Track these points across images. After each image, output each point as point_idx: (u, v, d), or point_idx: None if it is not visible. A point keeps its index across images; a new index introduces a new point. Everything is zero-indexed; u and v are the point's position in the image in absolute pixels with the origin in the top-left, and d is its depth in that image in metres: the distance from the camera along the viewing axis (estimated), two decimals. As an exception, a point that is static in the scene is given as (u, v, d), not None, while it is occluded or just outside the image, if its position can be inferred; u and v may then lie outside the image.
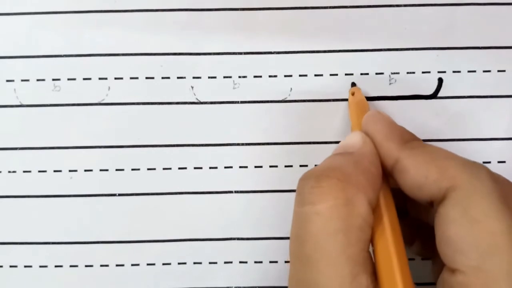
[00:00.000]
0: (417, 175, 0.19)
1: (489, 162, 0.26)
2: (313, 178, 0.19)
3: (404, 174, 0.19)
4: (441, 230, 0.18)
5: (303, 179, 0.19)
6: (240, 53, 0.27)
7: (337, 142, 0.26)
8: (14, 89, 0.27)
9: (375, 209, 0.19)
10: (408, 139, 0.21)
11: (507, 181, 0.20)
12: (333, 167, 0.19)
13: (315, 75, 0.27)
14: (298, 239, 0.18)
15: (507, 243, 0.16)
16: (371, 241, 0.19)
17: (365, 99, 0.25)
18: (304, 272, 0.18)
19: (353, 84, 0.26)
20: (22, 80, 0.27)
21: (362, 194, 0.18)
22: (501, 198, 0.17)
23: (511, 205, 0.18)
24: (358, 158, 0.20)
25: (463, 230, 0.17)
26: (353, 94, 0.26)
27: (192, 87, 0.27)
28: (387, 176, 0.21)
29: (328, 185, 0.18)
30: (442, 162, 0.19)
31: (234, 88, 0.27)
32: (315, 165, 0.25)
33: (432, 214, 0.19)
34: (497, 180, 0.18)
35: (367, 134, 0.21)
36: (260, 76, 0.27)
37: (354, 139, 0.21)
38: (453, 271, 0.17)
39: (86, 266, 0.27)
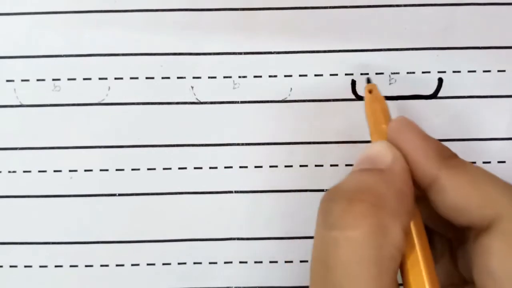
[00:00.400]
0: (458, 198, 0.18)
1: (489, 162, 0.26)
2: (345, 200, 0.17)
3: (443, 195, 0.18)
4: (483, 261, 0.17)
5: (332, 201, 0.18)
6: (240, 53, 0.27)
7: (337, 142, 0.26)
8: (14, 89, 0.27)
9: (407, 233, 0.18)
10: (446, 155, 0.19)
11: None
12: (365, 189, 0.17)
13: (315, 75, 0.26)
14: (324, 265, 0.17)
15: None
16: (402, 267, 0.18)
17: (383, 98, 0.23)
18: None
19: (369, 80, 0.24)
20: (22, 80, 0.27)
21: (397, 220, 0.17)
22: None
23: None
24: (390, 177, 0.18)
25: (509, 264, 0.16)
26: (370, 91, 0.23)
27: (192, 87, 0.27)
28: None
29: (361, 210, 0.17)
30: (486, 187, 0.17)
31: (234, 88, 0.27)
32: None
33: (466, 234, 0.18)
34: None
35: (395, 145, 0.19)
36: (260, 76, 0.27)
37: (383, 153, 0.19)
38: None
39: (86, 266, 0.27)
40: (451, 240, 0.22)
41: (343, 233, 0.17)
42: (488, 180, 0.18)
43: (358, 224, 0.17)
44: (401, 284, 0.19)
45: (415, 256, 0.18)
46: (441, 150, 0.19)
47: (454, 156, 0.19)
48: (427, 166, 0.18)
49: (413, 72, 0.26)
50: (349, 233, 0.16)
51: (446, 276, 0.21)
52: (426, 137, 0.20)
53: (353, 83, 0.26)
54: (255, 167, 0.26)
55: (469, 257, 0.18)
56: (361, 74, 0.26)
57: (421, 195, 0.19)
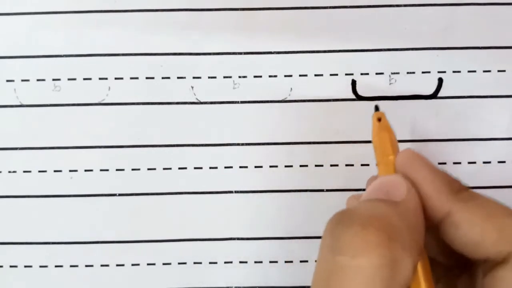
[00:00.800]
0: (473, 233, 0.17)
1: (489, 162, 0.26)
2: (358, 225, 0.16)
3: (456, 230, 0.18)
4: None
5: (342, 224, 0.17)
6: (240, 53, 0.27)
7: (337, 142, 0.26)
8: (14, 89, 0.27)
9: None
10: (457, 188, 0.19)
11: None
12: (380, 217, 0.17)
13: (315, 75, 0.27)
14: None
15: None
16: None
17: (391, 128, 0.22)
18: None
19: (377, 108, 0.23)
20: (22, 80, 0.27)
21: (408, 255, 0.16)
22: None
23: None
24: (404, 210, 0.17)
25: None
26: (379, 119, 0.22)
27: (192, 87, 0.27)
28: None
29: (374, 238, 0.16)
30: (501, 220, 0.17)
31: (234, 88, 0.27)
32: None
33: (474, 266, 0.18)
34: None
35: (405, 178, 0.19)
36: (260, 76, 0.27)
37: (398, 186, 0.18)
38: None
39: (86, 266, 0.27)
40: (450, 267, 0.21)
41: (352, 261, 0.16)
42: (502, 213, 0.17)
43: (369, 253, 0.16)
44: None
45: None
46: (452, 183, 0.19)
47: (465, 189, 0.19)
48: (439, 200, 0.18)
49: (413, 72, 0.26)
50: (358, 261, 0.15)
51: None
52: (435, 170, 0.19)
53: (353, 83, 0.26)
54: (255, 167, 0.26)
55: (474, 283, 0.18)
56: (361, 74, 0.26)
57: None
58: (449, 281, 0.21)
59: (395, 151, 0.21)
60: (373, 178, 0.21)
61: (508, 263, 0.17)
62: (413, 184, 0.19)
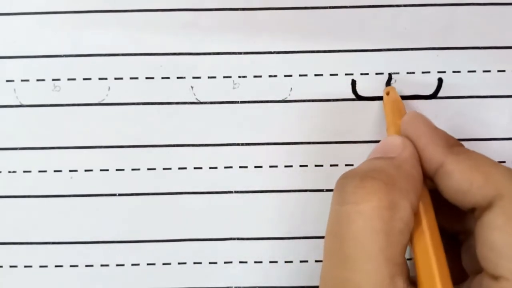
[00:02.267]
0: (462, 181, 0.19)
1: (489, 162, 0.26)
2: (358, 177, 0.19)
3: (448, 179, 0.19)
4: (485, 237, 0.18)
5: (346, 178, 0.19)
6: (240, 53, 0.27)
7: (337, 142, 0.26)
8: (14, 89, 0.27)
9: (415, 213, 0.19)
10: (452, 143, 0.21)
11: None
12: (377, 170, 0.19)
13: (315, 75, 0.27)
14: (336, 236, 0.18)
15: None
16: (411, 244, 0.19)
17: (400, 98, 0.25)
18: (342, 269, 0.18)
19: (388, 83, 0.26)
20: (22, 80, 0.27)
21: (405, 198, 0.18)
22: None
23: None
24: (400, 162, 0.20)
25: (509, 237, 0.17)
26: (387, 93, 0.25)
27: (192, 87, 0.27)
28: (427, 179, 0.21)
29: (372, 186, 0.18)
30: (488, 169, 0.19)
31: (234, 88, 0.27)
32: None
33: (471, 221, 0.19)
34: None
35: (407, 136, 0.21)
36: (260, 76, 0.27)
37: (394, 143, 0.21)
38: (496, 278, 0.17)
39: (86, 266, 0.27)
40: (457, 236, 0.23)
41: (355, 207, 0.18)
42: (489, 164, 0.19)
43: (369, 198, 0.18)
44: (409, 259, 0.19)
45: (422, 233, 0.19)
46: (448, 138, 0.21)
47: (459, 144, 0.21)
48: (434, 152, 0.20)
49: (413, 72, 0.26)
50: (361, 207, 0.18)
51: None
52: (434, 128, 0.21)
53: (353, 83, 0.26)
54: (255, 167, 0.26)
55: (473, 244, 0.19)
56: (361, 74, 0.26)
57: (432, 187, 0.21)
58: (455, 252, 0.22)
59: (402, 116, 0.23)
60: None
61: (493, 206, 0.18)
62: (412, 139, 0.21)
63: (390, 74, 0.26)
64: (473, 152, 0.20)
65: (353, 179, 0.19)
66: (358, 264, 0.17)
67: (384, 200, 0.18)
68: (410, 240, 0.19)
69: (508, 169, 0.19)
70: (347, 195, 0.18)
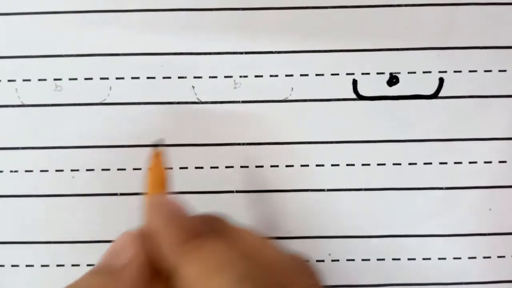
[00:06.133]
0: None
1: (490, 162, 0.26)
2: None
3: (181, 283, 0.18)
4: None
5: None
6: (241, 53, 0.27)
7: (338, 142, 0.26)
8: (16, 89, 0.27)
9: None
10: (187, 238, 0.19)
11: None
12: None
13: (316, 75, 0.27)
14: None
15: None
16: None
17: (163, 168, 0.22)
18: None
19: (157, 145, 0.23)
20: (23, 80, 0.27)
21: None
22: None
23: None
24: (123, 278, 0.18)
25: None
26: (156, 157, 0.23)
27: (193, 87, 0.27)
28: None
29: None
30: (208, 280, 0.17)
31: (235, 87, 0.27)
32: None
33: None
34: None
35: (149, 230, 0.20)
36: (261, 76, 0.27)
37: (126, 248, 0.19)
38: None
39: (87, 265, 0.27)
40: None
41: None
42: (212, 270, 0.17)
43: None
44: None
45: None
46: (182, 233, 0.19)
47: (196, 236, 0.19)
48: (167, 254, 0.19)
49: (414, 72, 0.26)
50: None
51: None
52: (172, 220, 0.19)
53: (354, 82, 0.26)
54: (256, 166, 0.26)
55: None
56: (362, 74, 0.26)
57: None
58: None
59: (162, 188, 0.22)
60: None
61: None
62: (152, 234, 0.19)
63: (391, 74, 0.26)
64: (205, 250, 0.18)
65: None
66: None
67: None
68: None
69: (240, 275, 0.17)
70: None
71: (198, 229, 0.19)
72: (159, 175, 0.22)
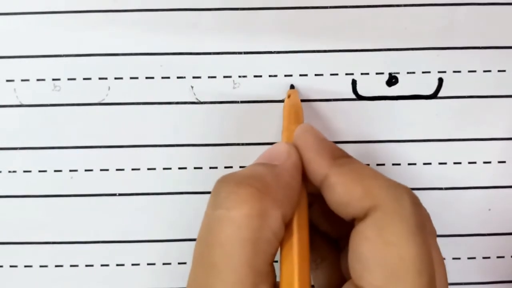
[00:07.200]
0: (344, 193, 0.19)
1: (489, 162, 0.26)
2: (233, 183, 0.18)
3: (331, 191, 0.19)
4: (355, 247, 0.18)
5: (222, 182, 0.19)
6: (240, 53, 0.27)
7: (337, 142, 0.26)
8: (14, 89, 0.27)
9: (288, 224, 0.19)
10: (338, 155, 0.20)
11: (424, 209, 0.20)
12: (254, 176, 0.19)
13: (315, 75, 0.26)
14: (205, 243, 0.18)
15: (412, 269, 0.17)
16: (280, 254, 0.19)
17: (300, 103, 0.25)
18: (206, 277, 0.18)
19: (292, 86, 0.26)
20: (22, 80, 0.27)
21: (278, 208, 0.18)
22: (418, 224, 0.18)
23: (426, 232, 0.18)
24: (281, 171, 0.20)
25: (375, 249, 0.17)
26: (289, 96, 0.25)
27: (192, 87, 0.27)
28: (311, 189, 0.21)
29: (246, 193, 0.18)
30: (368, 181, 0.19)
31: (234, 88, 0.27)
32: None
33: (351, 230, 0.19)
34: (418, 205, 0.18)
35: (297, 146, 0.21)
36: (260, 76, 0.27)
37: (280, 151, 0.21)
38: None
39: (86, 265, 0.27)
40: (338, 241, 0.23)
41: (227, 213, 0.18)
42: (370, 176, 0.19)
43: (241, 205, 0.18)
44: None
45: (291, 246, 0.19)
46: (334, 150, 0.21)
47: (345, 156, 0.21)
48: (319, 165, 0.20)
49: (414, 72, 0.26)
50: (232, 213, 0.17)
51: (327, 276, 0.23)
52: (322, 141, 0.21)
53: (354, 82, 0.26)
54: (255, 167, 0.26)
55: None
56: (361, 74, 0.26)
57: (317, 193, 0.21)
58: (336, 257, 0.23)
59: (298, 123, 0.23)
60: None
61: (367, 217, 0.18)
62: (301, 151, 0.21)
63: (390, 74, 0.26)
64: (358, 163, 0.20)
65: (228, 183, 0.18)
66: (222, 275, 0.17)
67: (255, 208, 0.17)
68: (280, 251, 0.19)
69: (388, 181, 0.19)
70: (221, 200, 0.18)
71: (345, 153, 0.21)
72: (296, 109, 0.24)
